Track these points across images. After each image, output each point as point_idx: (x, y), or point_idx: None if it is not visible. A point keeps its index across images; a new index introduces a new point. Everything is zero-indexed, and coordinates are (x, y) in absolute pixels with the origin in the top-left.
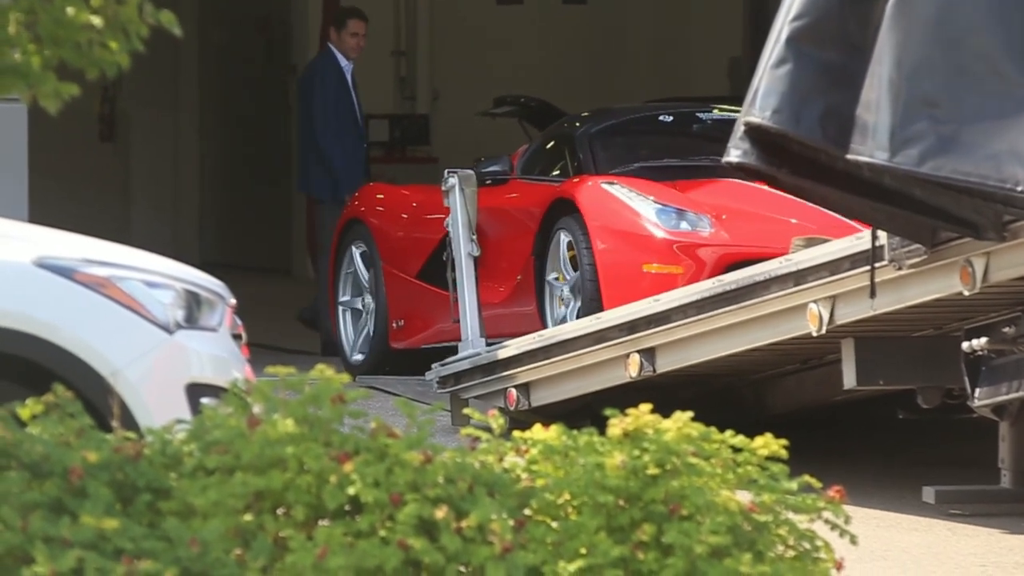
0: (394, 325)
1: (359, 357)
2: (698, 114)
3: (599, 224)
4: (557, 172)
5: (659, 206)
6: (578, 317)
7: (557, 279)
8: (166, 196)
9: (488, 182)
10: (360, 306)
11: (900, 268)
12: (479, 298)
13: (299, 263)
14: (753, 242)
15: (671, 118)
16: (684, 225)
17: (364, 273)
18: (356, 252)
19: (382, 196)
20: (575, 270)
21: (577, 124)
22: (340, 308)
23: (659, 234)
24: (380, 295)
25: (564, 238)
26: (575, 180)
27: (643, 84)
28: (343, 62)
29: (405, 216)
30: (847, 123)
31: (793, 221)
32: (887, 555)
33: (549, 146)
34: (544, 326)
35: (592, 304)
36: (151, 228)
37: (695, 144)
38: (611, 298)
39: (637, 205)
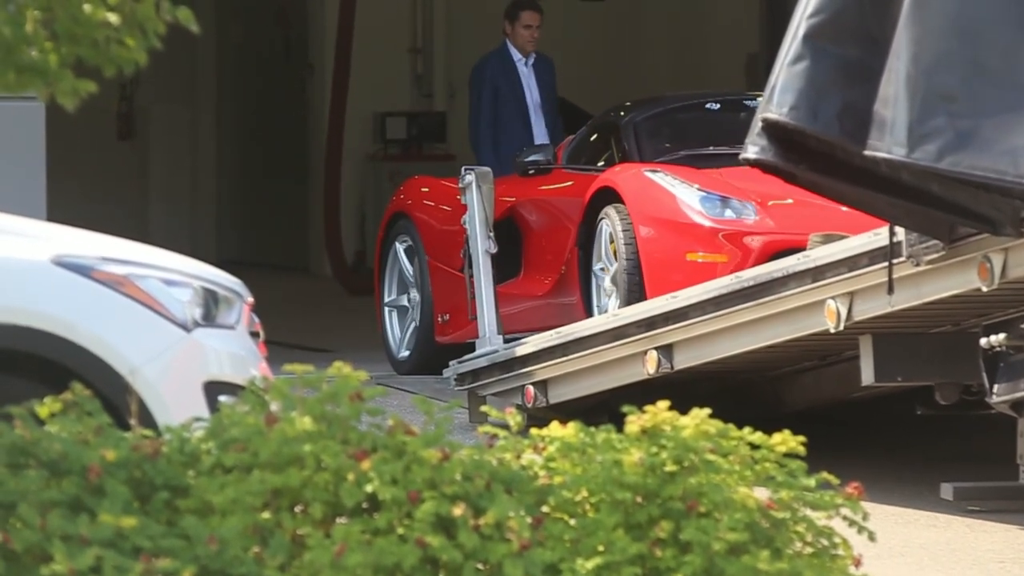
0: (439, 319)
1: (405, 354)
2: (745, 101)
3: (642, 212)
4: (603, 163)
5: (703, 193)
6: (622, 307)
7: (602, 269)
8: (184, 194)
9: (531, 172)
10: (406, 302)
11: (918, 264)
12: (496, 295)
13: (317, 261)
14: (799, 229)
15: (718, 105)
16: (728, 213)
17: (409, 268)
18: (400, 248)
19: (427, 189)
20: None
21: (622, 113)
22: (386, 309)
23: (703, 222)
24: (425, 289)
25: (607, 228)
26: (617, 168)
27: (660, 81)
28: (516, 56)
29: (449, 209)
30: (864, 119)
31: (843, 209)
32: (905, 552)
33: (594, 136)
34: (590, 316)
35: (635, 294)
36: (169, 226)
37: (743, 132)
38: (654, 287)
39: (680, 192)
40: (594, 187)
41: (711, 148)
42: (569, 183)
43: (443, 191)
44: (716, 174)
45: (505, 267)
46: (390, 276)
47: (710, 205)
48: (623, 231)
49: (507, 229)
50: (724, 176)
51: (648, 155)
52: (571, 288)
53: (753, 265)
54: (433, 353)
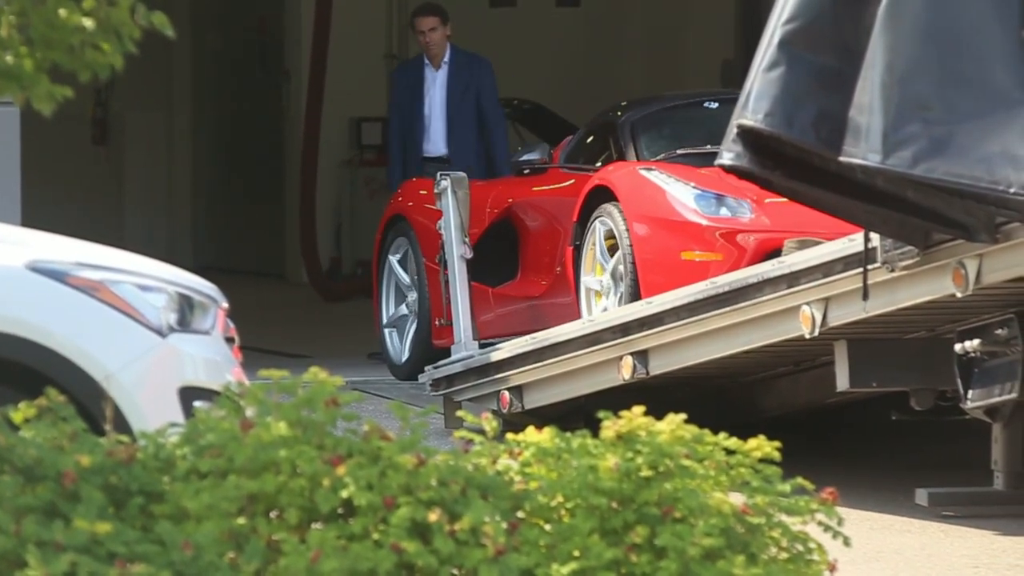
0: (437, 323)
1: (405, 357)
2: None
3: (637, 211)
4: (600, 163)
5: (698, 191)
6: (623, 304)
7: (590, 271)
8: (159, 199)
9: (526, 172)
10: (405, 310)
11: (893, 270)
12: (472, 300)
13: (292, 267)
14: (794, 228)
15: (716, 104)
16: (724, 211)
17: (404, 277)
18: (394, 260)
19: (425, 192)
20: (613, 258)
21: (619, 113)
22: (386, 331)
23: (698, 220)
24: (423, 292)
25: (600, 227)
26: (611, 167)
27: (636, 87)
28: (425, 61)
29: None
30: (840, 126)
31: None
32: (880, 557)
33: (591, 136)
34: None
35: (631, 293)
36: (144, 232)
37: None
38: (649, 286)
39: (675, 191)
40: (589, 186)
41: (708, 147)
42: (564, 183)
43: None
44: (711, 172)
45: (503, 269)
46: (387, 288)
47: (705, 203)
48: (625, 228)
49: (504, 230)
50: (719, 174)
51: (644, 154)
52: (567, 288)
53: (749, 264)
54: (432, 357)
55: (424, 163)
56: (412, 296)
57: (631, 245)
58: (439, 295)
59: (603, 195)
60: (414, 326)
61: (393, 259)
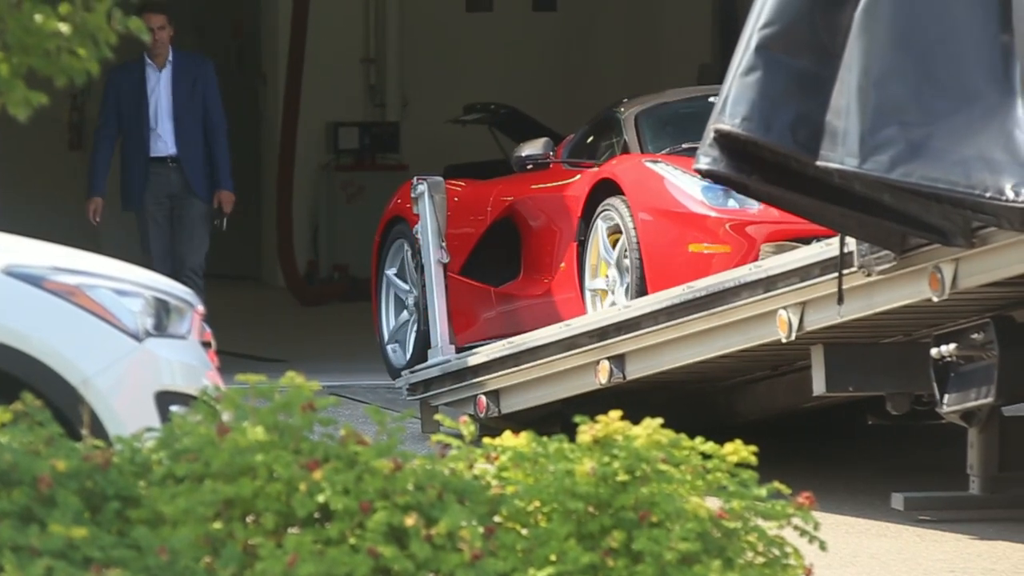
0: None
1: (409, 356)
2: None
3: (642, 203)
4: (603, 159)
5: (705, 183)
6: (632, 297)
7: (600, 269)
8: None
9: (529, 167)
10: (406, 315)
11: (869, 274)
12: (449, 305)
13: (269, 271)
14: (802, 219)
15: None
16: (731, 203)
17: (403, 287)
18: (391, 274)
19: None
20: (616, 249)
21: (621, 108)
22: (390, 348)
23: (706, 212)
24: (422, 295)
25: (603, 223)
26: (615, 161)
27: (613, 91)
28: (147, 61)
29: (447, 212)
30: (817, 130)
31: None
32: (856, 561)
33: (594, 134)
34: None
35: (637, 288)
36: (120, 236)
37: None
38: (655, 279)
39: (682, 183)
40: (593, 180)
41: None
42: (567, 180)
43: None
44: None
45: (505, 268)
46: (386, 301)
47: (712, 195)
48: (631, 220)
49: (505, 229)
50: None
51: (650, 148)
52: (571, 284)
53: (757, 257)
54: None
55: (151, 164)
56: (411, 300)
57: (637, 238)
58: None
59: (608, 189)
60: (415, 328)
61: (390, 272)
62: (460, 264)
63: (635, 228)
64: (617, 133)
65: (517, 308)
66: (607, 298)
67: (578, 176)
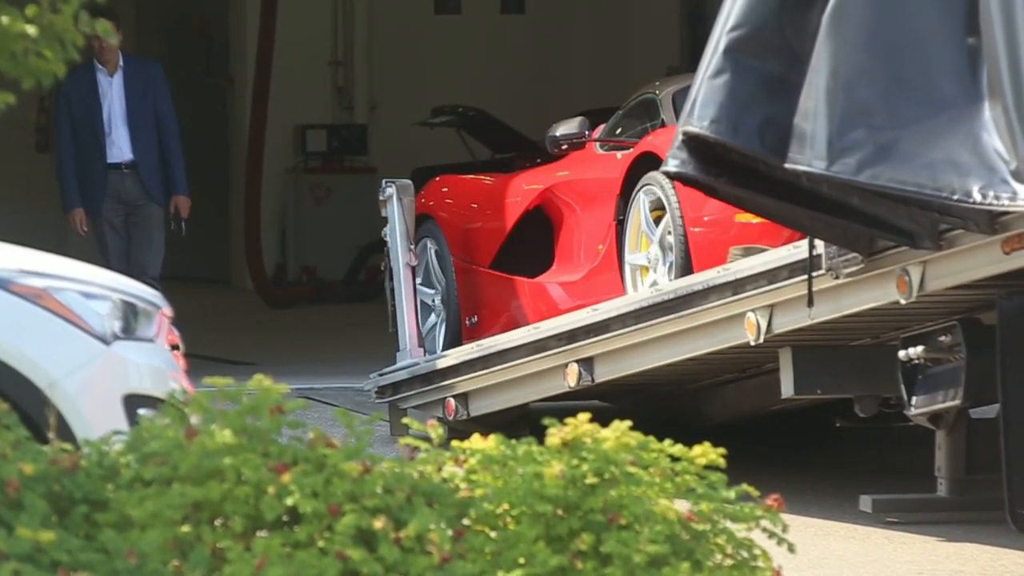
0: (467, 322)
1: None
2: None
3: None
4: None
5: None
6: (676, 277)
7: (641, 243)
8: None
9: (564, 147)
10: (434, 318)
11: (837, 277)
12: (417, 308)
13: (237, 273)
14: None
15: None
16: None
17: (427, 290)
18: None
19: (447, 189)
20: (659, 227)
21: (656, 91)
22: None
23: None
24: (451, 292)
25: (644, 197)
26: (654, 134)
27: (581, 93)
28: (98, 67)
29: (475, 206)
30: (785, 133)
31: None
32: (824, 563)
33: (628, 117)
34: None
35: (682, 265)
36: (88, 239)
37: None
38: (701, 253)
39: None
40: (633, 155)
41: None
42: (604, 157)
43: (465, 188)
44: None
45: (535, 260)
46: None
47: None
48: (674, 193)
49: (535, 219)
50: None
51: None
52: (612, 265)
53: None
54: None
55: (108, 171)
56: (438, 299)
57: (681, 211)
58: (468, 293)
59: (648, 164)
60: (443, 327)
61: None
62: (491, 258)
63: (678, 200)
64: (654, 115)
65: (553, 297)
66: (648, 276)
67: (618, 155)
